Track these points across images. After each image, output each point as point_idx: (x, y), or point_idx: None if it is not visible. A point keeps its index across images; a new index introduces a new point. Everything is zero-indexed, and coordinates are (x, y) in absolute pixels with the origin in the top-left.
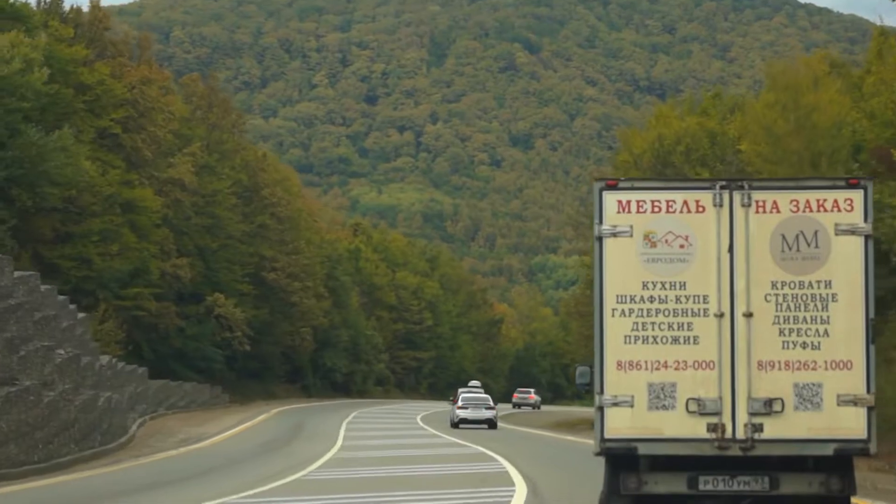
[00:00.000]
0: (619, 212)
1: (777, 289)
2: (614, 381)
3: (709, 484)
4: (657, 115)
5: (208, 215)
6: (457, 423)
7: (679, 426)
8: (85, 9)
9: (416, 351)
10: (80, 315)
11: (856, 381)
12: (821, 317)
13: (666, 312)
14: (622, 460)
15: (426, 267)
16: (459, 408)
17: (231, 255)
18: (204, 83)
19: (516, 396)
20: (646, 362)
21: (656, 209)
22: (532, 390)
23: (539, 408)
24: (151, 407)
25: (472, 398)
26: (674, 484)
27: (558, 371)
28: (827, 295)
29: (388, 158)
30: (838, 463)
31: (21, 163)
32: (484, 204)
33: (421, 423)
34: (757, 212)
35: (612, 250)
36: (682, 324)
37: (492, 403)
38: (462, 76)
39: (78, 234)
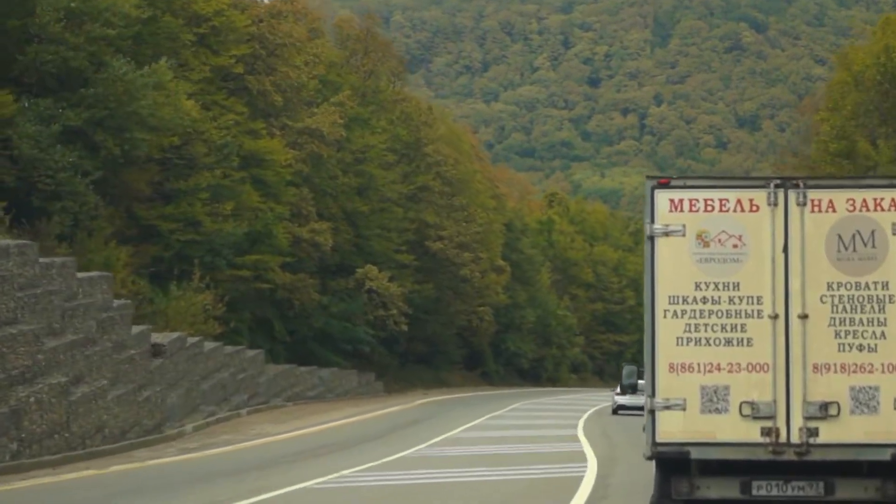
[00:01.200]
0: (671, 210)
1: (833, 290)
2: (666, 384)
3: (762, 489)
4: (883, 23)
5: (358, 174)
6: (616, 410)
7: (732, 430)
8: None
9: (616, 334)
10: (118, 302)
11: None
12: (877, 318)
13: (719, 314)
14: (674, 464)
15: (629, 241)
16: (617, 394)
17: (386, 220)
18: (360, 25)
19: None
20: (698, 364)
21: (709, 208)
22: None
23: None
24: (264, 397)
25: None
26: (726, 489)
27: None
28: (884, 296)
29: (611, 142)
30: (894, 468)
31: (105, 102)
32: None
33: (579, 419)
34: (812, 211)
35: (664, 250)
36: (736, 325)
37: None
38: (687, 56)
39: (183, 190)
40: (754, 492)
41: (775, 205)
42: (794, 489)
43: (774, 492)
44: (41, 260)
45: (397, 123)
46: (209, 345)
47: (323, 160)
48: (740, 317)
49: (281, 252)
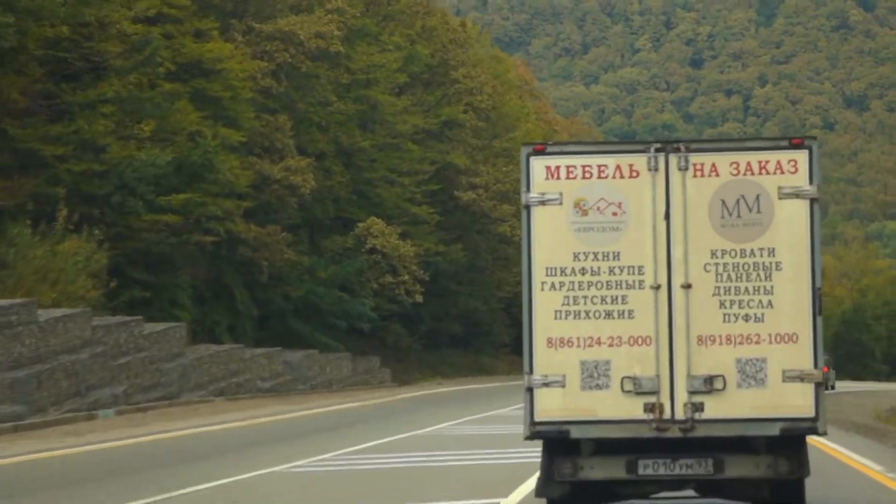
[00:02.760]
0: (547, 178)
1: (717, 258)
2: (544, 360)
3: (649, 468)
4: None
5: (359, 100)
6: None
7: (614, 407)
8: None
9: None
10: None
11: (802, 355)
12: (764, 287)
13: (599, 285)
14: (557, 445)
15: None
16: None
17: (397, 161)
18: None
19: None
20: (578, 339)
21: (587, 175)
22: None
23: (831, 387)
24: (173, 389)
25: None
26: (612, 469)
27: None
28: (770, 263)
29: (714, 124)
30: (788, 443)
31: None
32: None
33: None
34: (695, 176)
35: (541, 219)
36: (616, 297)
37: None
38: (792, 36)
39: (80, 103)
40: (641, 471)
41: (656, 170)
42: (682, 467)
43: (662, 471)
44: None
45: (417, 40)
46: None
47: (309, 80)
48: (621, 288)
49: (234, 194)
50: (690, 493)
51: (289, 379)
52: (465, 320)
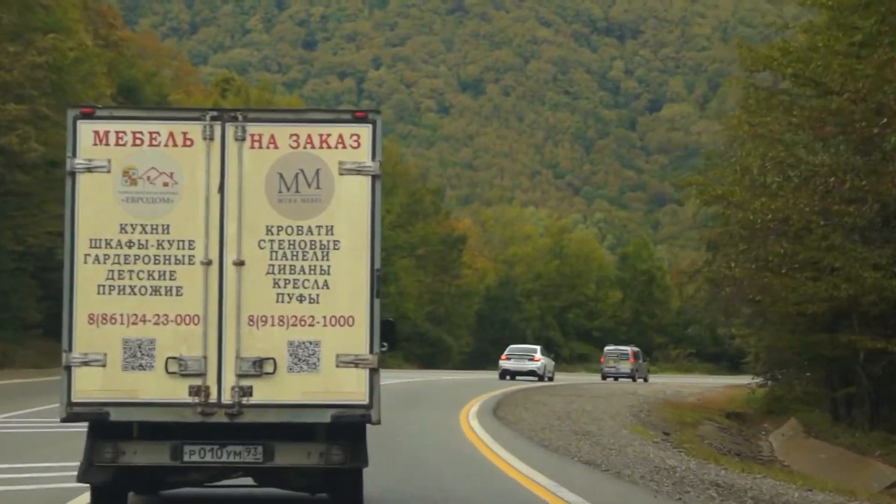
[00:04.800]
0: (95, 144)
1: (273, 234)
2: (85, 338)
3: (195, 455)
4: None
5: None
6: (502, 376)
7: (157, 389)
8: None
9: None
10: None
11: (357, 339)
12: (321, 266)
13: (146, 259)
14: (98, 428)
15: None
16: (503, 359)
17: None
18: None
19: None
20: (122, 316)
21: (138, 142)
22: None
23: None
24: None
25: (517, 349)
26: (156, 454)
27: (550, 319)
28: (328, 242)
29: (328, 106)
30: (343, 431)
31: None
32: (432, 153)
33: None
34: (252, 147)
35: (87, 187)
36: (165, 272)
37: (539, 355)
38: (407, 18)
39: None
40: (186, 457)
41: (211, 139)
42: (229, 454)
43: (208, 457)
44: None
45: None
46: None
47: None
48: (170, 263)
49: None
50: (249, 481)
51: None
52: None
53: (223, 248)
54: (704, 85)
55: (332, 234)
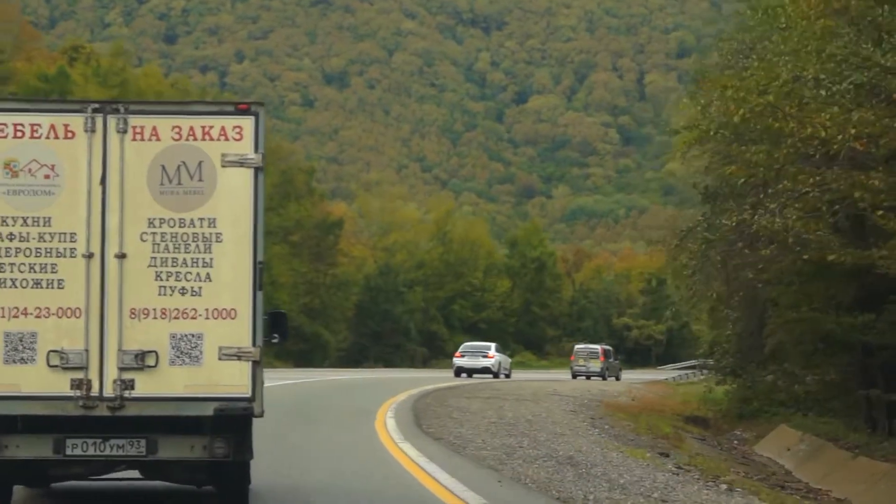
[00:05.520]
0: None
1: (155, 227)
2: None
3: (77, 448)
4: None
5: None
6: (457, 373)
7: (40, 382)
8: None
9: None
10: None
11: (240, 332)
12: (203, 259)
13: (28, 252)
14: None
15: None
16: (457, 356)
17: None
18: None
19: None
20: (3, 309)
21: (19, 134)
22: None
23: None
24: None
25: (470, 346)
26: (38, 448)
27: (434, 311)
28: (211, 234)
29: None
30: (226, 424)
31: None
32: (297, 147)
33: None
34: (134, 139)
35: None
36: (46, 265)
37: (493, 351)
38: (269, 11)
39: None
40: (69, 451)
41: (93, 131)
42: (113, 448)
43: (91, 450)
44: None
45: None
46: None
47: None
48: (51, 256)
49: None
50: (136, 474)
51: None
52: None
53: (105, 241)
54: (571, 76)
55: (214, 226)
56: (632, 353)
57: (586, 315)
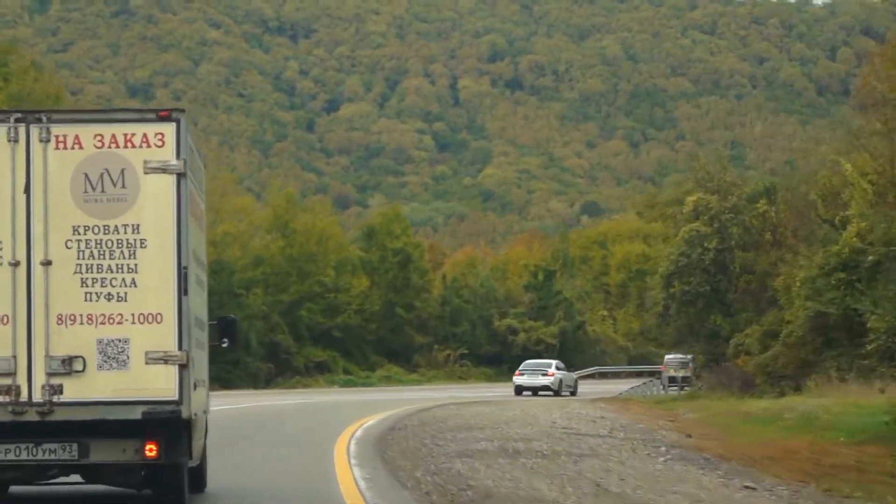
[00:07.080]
0: None
1: (79, 234)
2: None
3: (10, 453)
4: None
5: None
6: (518, 391)
7: None
8: None
9: None
10: None
11: (166, 336)
12: (128, 265)
13: None
14: None
15: None
16: (517, 375)
17: None
18: None
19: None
20: None
21: None
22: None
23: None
24: None
25: (531, 364)
26: None
27: (277, 318)
28: (135, 241)
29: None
30: (158, 427)
31: None
32: None
33: None
34: (57, 148)
35: None
36: None
37: (553, 369)
38: (69, 23)
39: None
40: (1, 456)
41: (16, 141)
42: (45, 452)
43: (24, 455)
44: None
45: None
46: None
47: None
48: None
49: None
50: (79, 478)
51: None
52: None
53: (30, 249)
54: (382, 83)
55: (138, 232)
56: (518, 362)
57: (461, 317)
